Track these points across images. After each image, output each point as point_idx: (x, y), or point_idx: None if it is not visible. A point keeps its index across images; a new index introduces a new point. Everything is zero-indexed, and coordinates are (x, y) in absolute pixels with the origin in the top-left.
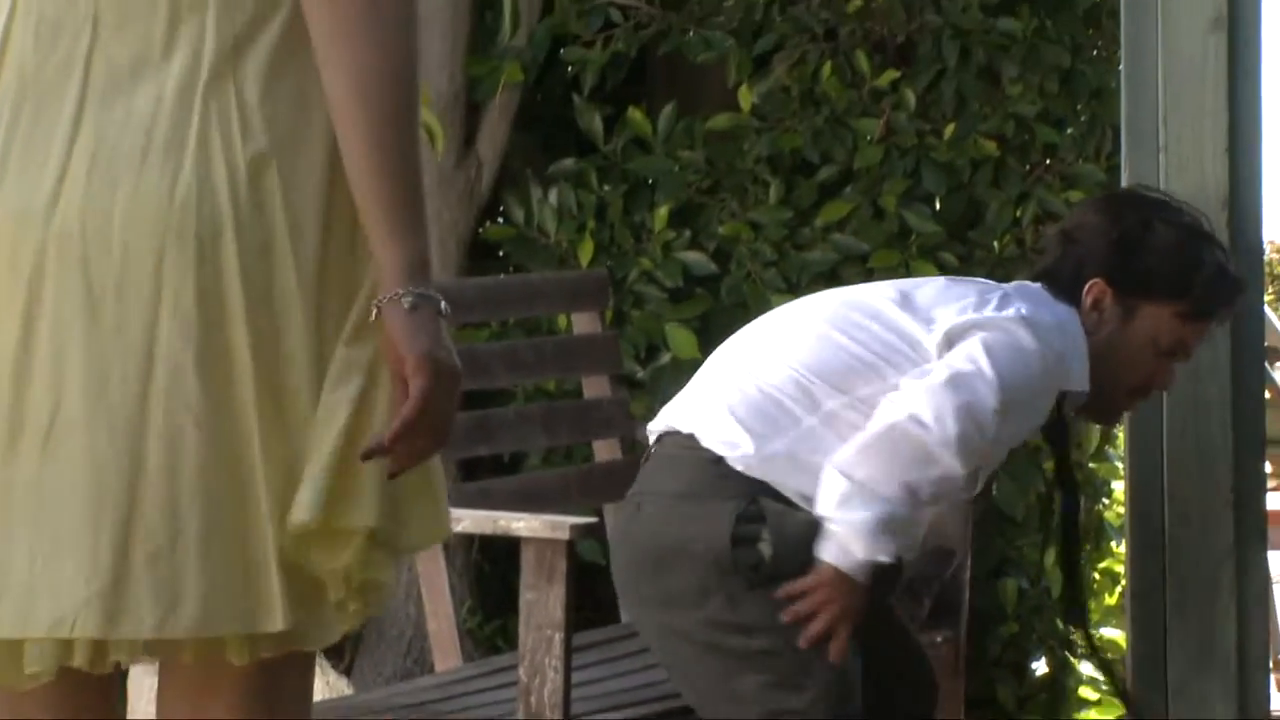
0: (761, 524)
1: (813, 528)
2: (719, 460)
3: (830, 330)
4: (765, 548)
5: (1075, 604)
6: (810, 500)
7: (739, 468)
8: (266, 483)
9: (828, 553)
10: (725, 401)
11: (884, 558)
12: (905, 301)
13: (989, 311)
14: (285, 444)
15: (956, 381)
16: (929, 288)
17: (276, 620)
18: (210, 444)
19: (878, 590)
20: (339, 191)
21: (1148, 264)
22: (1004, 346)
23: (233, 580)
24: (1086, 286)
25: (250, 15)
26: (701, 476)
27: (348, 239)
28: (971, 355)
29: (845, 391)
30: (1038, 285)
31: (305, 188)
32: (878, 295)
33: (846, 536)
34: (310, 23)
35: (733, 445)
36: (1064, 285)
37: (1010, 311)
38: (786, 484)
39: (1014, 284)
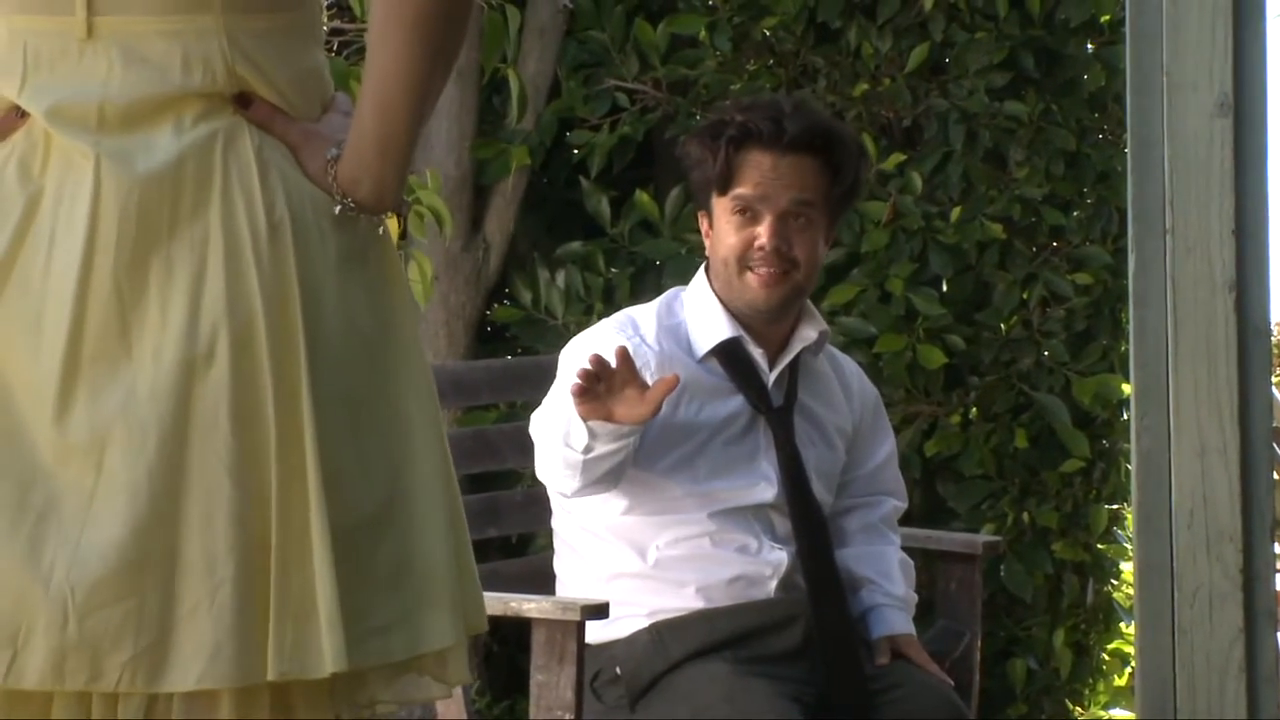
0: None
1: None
2: None
3: None
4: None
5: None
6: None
7: None
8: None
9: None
10: None
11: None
12: None
13: None
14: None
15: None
16: None
17: (325, 665)
18: (242, 495)
19: (942, 651)
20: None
21: (692, 177)
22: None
23: (284, 627)
24: None
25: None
26: None
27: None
28: None
29: None
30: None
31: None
32: None
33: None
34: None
35: None
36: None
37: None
38: None
39: None
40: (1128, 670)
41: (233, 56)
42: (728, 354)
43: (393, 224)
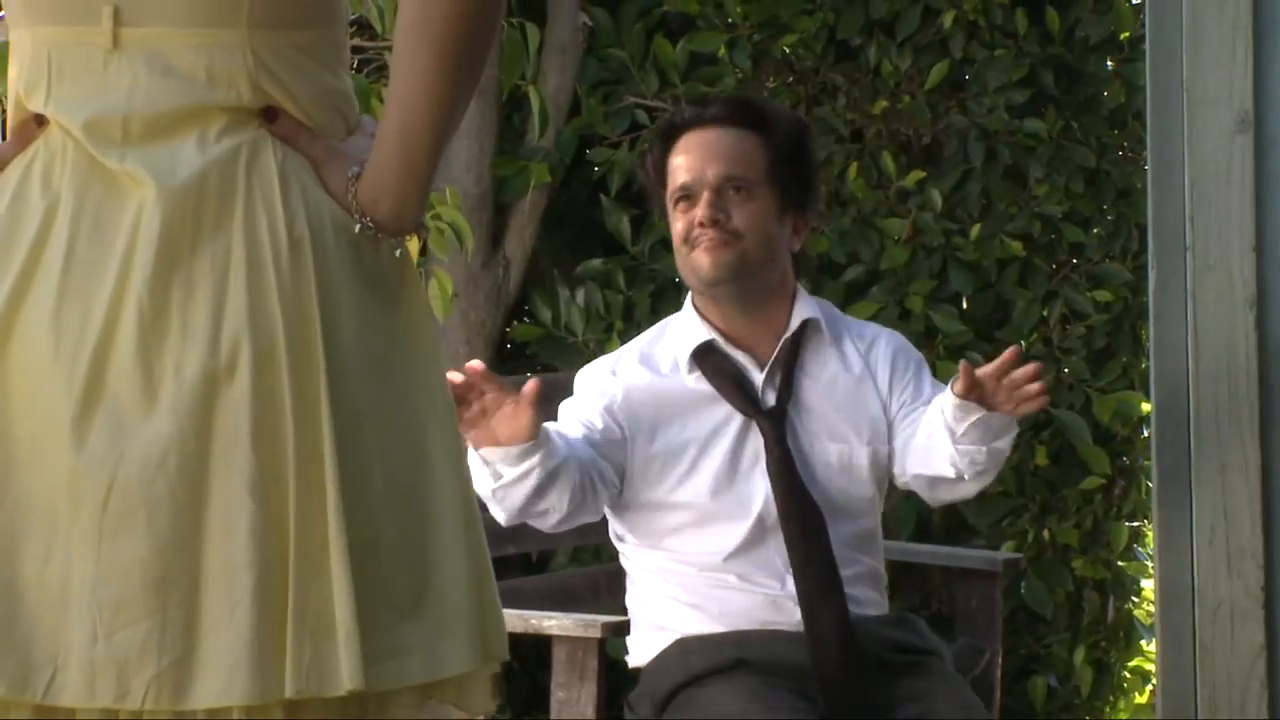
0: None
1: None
2: None
3: None
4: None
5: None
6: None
7: None
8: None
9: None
10: None
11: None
12: None
13: None
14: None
15: None
16: None
17: (341, 684)
18: (261, 512)
19: (962, 666)
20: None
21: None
22: None
23: (302, 644)
24: None
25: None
26: None
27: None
28: None
29: None
30: None
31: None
32: None
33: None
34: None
35: None
36: None
37: None
38: None
39: None
40: (1149, 688)
41: (258, 72)
42: (707, 361)
43: (412, 244)
